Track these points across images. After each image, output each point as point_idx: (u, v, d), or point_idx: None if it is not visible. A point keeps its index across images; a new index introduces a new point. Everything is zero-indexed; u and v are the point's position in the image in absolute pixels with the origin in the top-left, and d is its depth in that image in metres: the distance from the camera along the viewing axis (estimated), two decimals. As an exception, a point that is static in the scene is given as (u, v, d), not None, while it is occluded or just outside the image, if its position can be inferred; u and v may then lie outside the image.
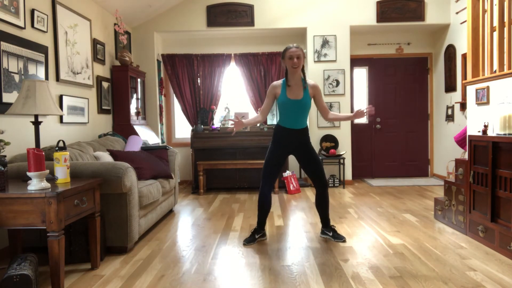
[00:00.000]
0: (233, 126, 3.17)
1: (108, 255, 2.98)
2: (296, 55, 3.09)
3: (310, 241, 3.25)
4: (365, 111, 3.09)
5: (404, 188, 5.69)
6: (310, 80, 3.26)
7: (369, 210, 4.31)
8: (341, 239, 3.21)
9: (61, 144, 2.66)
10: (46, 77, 3.69)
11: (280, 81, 3.23)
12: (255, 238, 3.25)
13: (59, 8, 3.95)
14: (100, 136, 4.65)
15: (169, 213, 4.42)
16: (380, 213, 4.18)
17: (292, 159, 6.40)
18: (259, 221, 3.29)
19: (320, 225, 3.69)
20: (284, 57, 3.14)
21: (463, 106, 5.69)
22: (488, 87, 3.33)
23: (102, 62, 4.96)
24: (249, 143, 5.72)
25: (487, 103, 3.35)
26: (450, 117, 6.07)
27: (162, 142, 6.30)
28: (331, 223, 3.54)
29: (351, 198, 5.06)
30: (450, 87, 6.04)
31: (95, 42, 4.75)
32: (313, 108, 6.08)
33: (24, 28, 3.38)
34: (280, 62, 3.21)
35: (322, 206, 3.29)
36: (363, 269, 2.60)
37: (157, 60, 6.19)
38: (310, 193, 5.44)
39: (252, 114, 6.36)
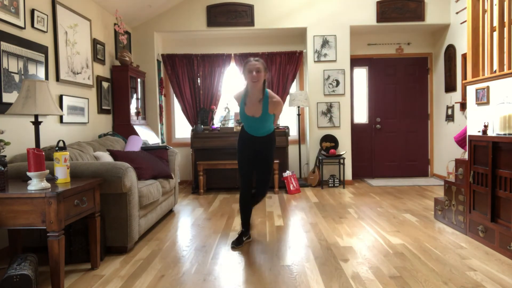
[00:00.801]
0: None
1: (108, 255, 2.98)
2: (255, 69, 2.94)
3: (310, 241, 3.25)
4: None
5: (404, 188, 5.69)
6: (274, 97, 3.04)
7: (369, 210, 4.31)
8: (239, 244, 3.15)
9: (61, 144, 2.66)
10: (46, 77, 3.69)
11: (241, 92, 3.16)
12: (242, 240, 3.19)
13: (59, 8, 3.95)
14: (100, 136, 4.65)
15: (169, 213, 4.42)
16: (380, 213, 4.18)
17: (292, 159, 6.40)
18: (243, 223, 3.28)
19: (321, 227, 3.69)
20: (244, 70, 3.01)
21: (463, 106, 5.69)
22: (488, 87, 3.33)
23: (102, 62, 4.96)
24: (249, 143, 5.71)
25: (487, 103, 3.35)
26: (450, 117, 6.07)
27: (162, 142, 6.30)
28: (332, 223, 3.53)
29: (351, 198, 5.06)
30: (450, 87, 6.04)
31: (95, 42, 4.75)
32: (313, 108, 6.09)
33: (24, 28, 3.38)
34: (242, 74, 3.11)
35: (249, 207, 3.26)
36: (363, 269, 2.60)
37: (157, 60, 6.19)
38: (310, 193, 5.44)
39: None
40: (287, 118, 6.55)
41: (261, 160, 3.20)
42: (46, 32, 3.74)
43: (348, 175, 6.13)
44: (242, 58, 6.26)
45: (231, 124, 6.16)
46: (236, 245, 3.12)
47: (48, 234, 2.22)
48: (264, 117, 3.06)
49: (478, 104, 3.49)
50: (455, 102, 5.90)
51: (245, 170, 3.21)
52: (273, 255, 2.91)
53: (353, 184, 6.15)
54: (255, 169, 3.24)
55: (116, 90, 5.22)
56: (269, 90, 3.10)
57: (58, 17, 3.93)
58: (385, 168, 6.76)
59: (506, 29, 3.12)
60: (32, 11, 3.50)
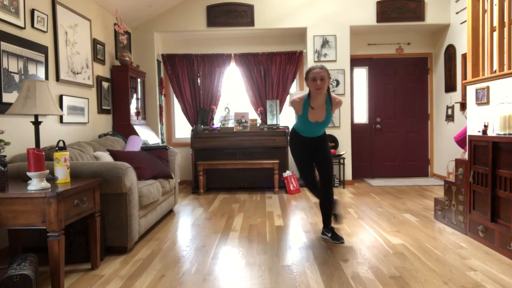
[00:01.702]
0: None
1: (108, 255, 2.98)
2: (319, 77, 2.91)
3: (310, 241, 3.25)
4: None
5: (404, 188, 5.69)
6: (335, 98, 3.07)
7: (369, 210, 4.31)
8: (339, 240, 3.17)
9: (61, 144, 2.66)
10: (46, 77, 3.69)
11: (302, 97, 3.06)
12: (339, 237, 3.22)
13: (59, 8, 3.95)
14: (100, 136, 4.65)
15: (169, 213, 4.42)
16: (380, 213, 4.18)
17: (292, 159, 6.39)
18: (324, 219, 3.33)
19: (321, 227, 3.69)
20: (307, 78, 2.98)
21: (463, 106, 5.69)
22: (488, 87, 3.33)
23: (102, 62, 4.96)
24: (249, 143, 5.72)
25: (487, 103, 3.35)
26: (450, 117, 6.07)
27: (162, 142, 6.30)
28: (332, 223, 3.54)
29: (351, 198, 5.06)
30: (450, 87, 6.04)
31: (95, 42, 4.75)
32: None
33: (24, 28, 3.38)
34: (304, 82, 3.11)
35: (325, 206, 3.28)
36: (363, 269, 2.60)
37: (157, 60, 6.19)
38: (310, 193, 5.44)
39: (252, 114, 6.37)
40: (287, 118, 6.55)
41: (321, 158, 3.20)
42: (46, 32, 3.74)
43: (348, 175, 6.13)
44: (242, 58, 6.26)
45: (231, 124, 6.16)
46: (339, 240, 3.16)
47: (48, 234, 2.22)
48: (327, 120, 3.12)
49: (478, 104, 3.49)
50: (455, 102, 5.90)
51: (306, 168, 3.24)
52: (273, 255, 2.91)
53: (353, 184, 6.15)
54: (316, 165, 3.26)
55: (116, 90, 5.22)
56: (331, 94, 3.08)
57: (58, 17, 3.93)
58: (385, 168, 6.75)
59: (506, 29, 3.12)
60: (32, 11, 3.50)
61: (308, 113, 3.04)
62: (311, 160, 3.28)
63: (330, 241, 3.22)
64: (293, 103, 3.11)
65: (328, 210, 3.28)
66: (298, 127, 3.21)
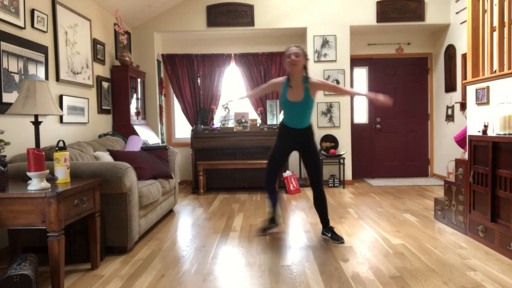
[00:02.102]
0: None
1: (108, 255, 2.98)
2: (294, 53, 3.08)
3: (310, 241, 3.25)
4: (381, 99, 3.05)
5: (404, 188, 5.69)
6: (313, 79, 3.20)
7: (369, 210, 4.31)
8: (339, 240, 3.17)
9: (61, 144, 2.65)
10: (46, 77, 3.69)
11: (282, 79, 3.25)
12: (269, 227, 3.45)
13: (59, 8, 3.95)
14: (100, 136, 4.65)
15: (169, 213, 4.42)
16: (380, 213, 4.18)
17: (292, 159, 6.40)
18: (271, 211, 3.48)
19: (320, 225, 3.69)
20: (284, 57, 3.17)
21: (463, 106, 5.69)
22: (488, 87, 3.33)
23: (102, 62, 4.96)
24: (249, 143, 5.72)
25: (487, 103, 3.35)
26: (450, 117, 6.07)
27: (162, 142, 6.30)
28: (332, 223, 3.54)
29: (351, 198, 5.06)
30: (450, 87, 6.04)
31: (95, 42, 4.75)
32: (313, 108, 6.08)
33: (24, 28, 3.38)
34: (284, 63, 3.30)
35: (319, 206, 3.31)
36: (363, 269, 2.60)
37: (157, 60, 6.19)
38: (310, 193, 5.44)
39: (252, 114, 6.37)
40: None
41: (309, 152, 3.25)
42: (46, 32, 3.74)
43: (348, 175, 6.13)
44: (242, 58, 6.26)
45: (231, 124, 6.16)
46: (273, 225, 3.44)
47: (48, 234, 2.22)
48: (306, 102, 3.14)
49: (478, 104, 3.49)
50: (455, 102, 5.90)
51: (274, 166, 3.32)
52: (273, 255, 2.91)
53: (353, 184, 6.15)
54: (304, 163, 3.31)
55: (116, 90, 5.22)
56: (309, 76, 3.20)
57: (58, 17, 3.93)
58: (385, 168, 6.76)
59: (506, 29, 3.12)
60: (32, 11, 3.50)
61: (287, 92, 3.16)
62: (285, 156, 3.34)
63: (330, 241, 3.22)
64: (274, 82, 3.27)
65: (323, 209, 3.31)
66: (284, 117, 3.30)
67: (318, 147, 6.06)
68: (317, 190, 3.27)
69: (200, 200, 5.14)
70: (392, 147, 6.73)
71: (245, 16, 5.95)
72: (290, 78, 3.17)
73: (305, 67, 3.17)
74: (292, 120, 3.23)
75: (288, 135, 3.28)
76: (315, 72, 6.07)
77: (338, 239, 3.19)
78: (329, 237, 3.25)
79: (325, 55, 6.04)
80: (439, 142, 6.48)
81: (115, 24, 5.31)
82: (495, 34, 3.32)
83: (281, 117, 6.34)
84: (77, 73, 4.31)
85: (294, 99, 3.15)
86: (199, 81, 6.32)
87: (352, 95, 3.18)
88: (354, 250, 3.00)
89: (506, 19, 3.13)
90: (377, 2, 5.96)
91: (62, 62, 4.01)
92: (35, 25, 3.54)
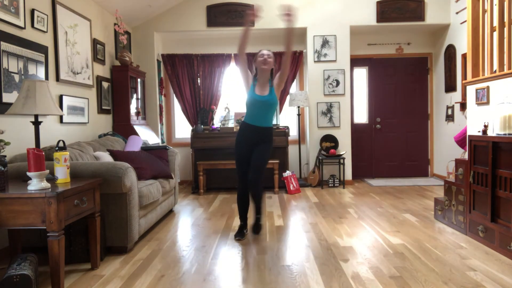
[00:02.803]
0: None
1: (108, 255, 2.98)
2: (266, 54, 3.34)
3: (310, 241, 3.25)
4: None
5: (404, 188, 5.69)
6: (274, 80, 3.43)
7: (369, 210, 4.31)
8: (254, 231, 3.40)
9: (61, 144, 2.66)
10: (46, 77, 3.69)
11: (252, 76, 3.48)
12: (243, 232, 3.41)
13: (59, 8, 3.95)
14: (100, 136, 4.65)
15: (169, 213, 4.42)
16: (380, 213, 4.18)
17: (292, 159, 6.40)
18: (240, 216, 3.51)
19: (321, 227, 3.69)
20: (256, 59, 3.38)
21: (463, 106, 5.69)
22: (488, 87, 3.33)
23: (102, 62, 4.96)
24: (249, 143, 5.71)
25: (487, 103, 3.35)
26: (450, 117, 6.07)
27: (162, 142, 6.30)
28: (332, 223, 3.54)
29: (351, 198, 5.06)
30: (450, 87, 6.04)
31: (95, 42, 4.75)
32: (313, 108, 6.09)
33: (24, 28, 3.38)
34: (253, 64, 3.50)
35: (254, 202, 3.40)
36: (363, 269, 2.60)
37: (157, 60, 6.19)
38: (310, 193, 5.44)
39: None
40: (287, 118, 6.55)
41: (256, 154, 3.32)
42: (46, 32, 3.74)
43: (348, 175, 6.13)
44: (242, 58, 6.26)
45: (231, 124, 6.16)
46: (241, 237, 3.33)
47: (48, 234, 2.22)
48: (271, 98, 3.32)
49: (478, 104, 3.49)
50: (455, 102, 5.90)
51: (242, 168, 3.39)
52: (273, 255, 2.91)
53: (353, 184, 6.15)
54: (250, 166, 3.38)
55: (116, 90, 5.22)
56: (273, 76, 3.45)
57: (58, 17, 3.93)
58: (385, 168, 6.76)
59: (506, 29, 3.12)
60: (32, 11, 3.50)
61: (255, 87, 3.37)
62: (249, 156, 3.36)
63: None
64: (249, 75, 3.42)
65: (257, 203, 3.37)
66: (246, 116, 3.41)
67: (318, 147, 6.05)
68: (253, 190, 3.30)
69: (200, 200, 5.14)
70: (392, 147, 6.73)
71: (245, 16, 5.95)
72: (258, 75, 3.38)
73: (271, 71, 3.39)
74: (255, 117, 3.34)
75: (250, 133, 3.34)
76: (315, 72, 6.07)
77: (255, 230, 3.42)
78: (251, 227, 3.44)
79: (325, 55, 6.04)
80: (439, 142, 6.48)
81: (115, 24, 5.31)
82: (495, 34, 3.32)
83: (281, 117, 6.34)
84: (77, 73, 4.31)
85: (261, 93, 3.34)
86: (199, 81, 6.32)
87: (290, 40, 3.23)
88: (354, 250, 3.00)
89: (506, 19, 3.13)
90: (377, 2, 5.96)
91: (62, 62, 4.01)
92: (35, 25, 3.54)
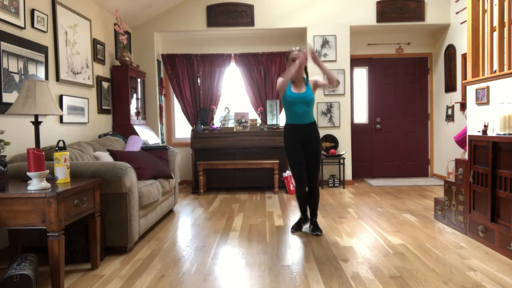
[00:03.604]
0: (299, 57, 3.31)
1: (108, 255, 2.98)
2: (298, 57, 3.34)
3: (310, 241, 3.25)
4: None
5: (404, 188, 5.69)
6: (311, 78, 3.52)
7: (369, 210, 4.31)
8: (315, 232, 3.41)
9: (61, 144, 2.66)
10: (46, 77, 3.69)
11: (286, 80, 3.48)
12: (301, 226, 3.57)
13: (59, 8, 3.95)
14: (100, 136, 4.65)
15: (169, 213, 4.42)
16: (380, 213, 4.18)
17: (292, 159, 6.39)
18: (301, 212, 3.61)
19: (321, 227, 3.69)
20: (288, 59, 3.42)
21: (463, 106, 5.69)
22: (488, 87, 3.33)
23: (102, 62, 4.96)
24: (249, 143, 5.72)
25: (487, 103, 3.35)
26: (450, 117, 6.07)
27: (162, 142, 6.30)
28: (332, 223, 3.60)
29: (351, 198, 5.06)
30: (450, 87, 6.04)
31: (95, 42, 4.75)
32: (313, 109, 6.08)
33: (24, 28, 3.38)
34: (285, 63, 3.58)
35: (312, 201, 3.53)
36: (363, 269, 2.60)
37: (157, 60, 6.19)
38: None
39: (252, 114, 6.37)
40: (287, 118, 6.55)
41: (312, 151, 3.43)
42: (46, 32, 3.74)
43: (348, 175, 6.13)
44: (242, 58, 6.26)
45: (231, 124, 6.16)
46: (296, 229, 3.52)
47: (48, 234, 2.22)
48: (308, 94, 3.39)
49: (478, 104, 3.49)
50: (455, 102, 5.90)
51: (300, 168, 3.44)
52: (273, 255, 2.91)
53: (353, 184, 6.15)
54: (306, 165, 3.48)
55: (116, 90, 5.22)
56: (308, 75, 3.54)
57: (58, 17, 3.93)
58: (385, 168, 6.75)
59: (506, 29, 3.12)
60: (32, 11, 3.50)
61: (291, 87, 3.43)
62: (303, 156, 3.46)
63: (308, 232, 3.48)
64: (280, 83, 3.37)
65: (315, 204, 3.53)
66: (288, 116, 3.46)
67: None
68: (314, 187, 3.49)
69: (200, 200, 5.14)
70: (392, 147, 6.73)
71: (245, 16, 5.95)
72: (293, 77, 3.40)
73: (305, 68, 3.45)
74: (297, 116, 3.40)
75: (296, 132, 3.41)
76: (315, 72, 6.06)
77: (316, 231, 3.43)
78: (311, 229, 3.49)
79: (325, 55, 6.04)
80: (439, 142, 6.48)
81: (115, 24, 5.31)
82: (495, 34, 3.32)
83: (281, 117, 6.34)
84: (77, 73, 4.31)
85: (298, 91, 3.39)
86: (199, 81, 6.32)
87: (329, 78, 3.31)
88: (354, 250, 3.00)
89: (506, 19, 3.13)
90: (377, 2, 5.96)
91: (62, 62, 4.01)
92: (35, 25, 3.54)
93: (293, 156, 3.44)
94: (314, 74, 6.06)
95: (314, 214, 3.54)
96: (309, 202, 3.54)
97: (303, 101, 3.38)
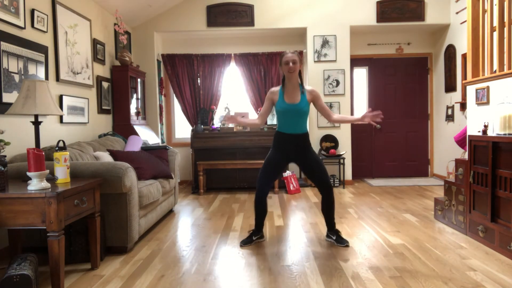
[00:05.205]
0: (228, 117, 3.13)
1: (108, 255, 2.98)
2: (291, 60, 3.08)
3: (310, 241, 3.25)
4: (372, 114, 2.98)
5: (404, 188, 5.69)
6: (308, 86, 3.25)
7: (369, 210, 4.31)
8: (344, 243, 3.09)
9: (61, 144, 2.66)
10: (46, 77, 3.69)
11: (278, 87, 3.22)
12: (253, 239, 3.21)
13: (59, 8, 3.95)
14: (100, 136, 4.65)
15: (169, 213, 4.42)
16: (380, 213, 4.18)
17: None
18: (256, 223, 3.26)
19: (321, 227, 3.69)
20: (281, 63, 3.14)
21: (463, 106, 5.69)
22: (488, 87, 3.33)
23: (102, 62, 4.96)
24: (249, 143, 5.72)
25: (487, 103, 3.35)
26: (450, 117, 6.07)
27: (162, 142, 6.30)
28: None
29: (351, 198, 5.06)
30: (450, 87, 6.04)
31: (95, 42, 4.75)
32: (312, 109, 6.08)
33: (24, 28, 3.38)
34: (279, 68, 3.24)
35: (327, 209, 3.20)
36: (363, 269, 2.60)
37: (157, 60, 6.19)
38: (310, 193, 5.44)
39: (252, 114, 6.37)
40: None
41: (310, 158, 3.13)
42: (46, 32, 3.74)
43: (348, 175, 6.13)
44: (242, 58, 6.26)
45: (231, 124, 6.16)
46: (245, 243, 3.16)
47: (48, 234, 2.22)
48: (303, 105, 3.10)
49: (478, 104, 3.49)
50: (455, 102, 5.90)
51: (270, 175, 3.17)
52: (273, 255, 2.91)
53: (353, 184, 6.14)
54: (307, 172, 3.18)
55: (116, 90, 5.22)
56: (303, 84, 3.23)
57: (58, 17, 3.93)
58: (385, 168, 6.75)
59: (506, 29, 3.12)
60: (32, 11, 3.50)
61: (284, 96, 3.15)
62: (281, 168, 3.20)
63: (334, 244, 3.15)
64: (270, 92, 3.23)
65: (330, 212, 3.20)
66: (279, 125, 3.21)
67: (318, 147, 6.06)
68: (328, 191, 3.15)
69: (200, 200, 5.14)
70: (392, 147, 6.73)
71: (245, 16, 5.95)
72: (286, 82, 3.15)
73: (300, 72, 3.18)
74: (288, 126, 3.14)
75: (285, 142, 3.15)
76: (315, 72, 6.07)
77: (342, 242, 3.11)
78: (334, 240, 3.17)
79: (325, 55, 6.04)
80: (439, 142, 6.48)
81: (115, 24, 5.31)
82: (495, 34, 3.32)
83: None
84: (77, 73, 4.31)
85: (292, 101, 3.11)
86: (199, 81, 6.32)
87: (339, 122, 3.11)
88: (354, 250, 3.00)
89: (506, 19, 3.13)
90: (377, 2, 5.96)
91: (62, 62, 4.01)
92: (35, 25, 3.54)
93: (269, 163, 3.16)
94: (314, 76, 6.10)
95: (330, 226, 3.23)
96: (324, 212, 3.21)
97: (296, 113, 3.10)
